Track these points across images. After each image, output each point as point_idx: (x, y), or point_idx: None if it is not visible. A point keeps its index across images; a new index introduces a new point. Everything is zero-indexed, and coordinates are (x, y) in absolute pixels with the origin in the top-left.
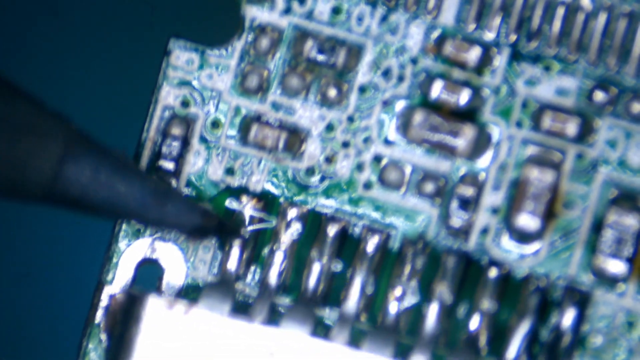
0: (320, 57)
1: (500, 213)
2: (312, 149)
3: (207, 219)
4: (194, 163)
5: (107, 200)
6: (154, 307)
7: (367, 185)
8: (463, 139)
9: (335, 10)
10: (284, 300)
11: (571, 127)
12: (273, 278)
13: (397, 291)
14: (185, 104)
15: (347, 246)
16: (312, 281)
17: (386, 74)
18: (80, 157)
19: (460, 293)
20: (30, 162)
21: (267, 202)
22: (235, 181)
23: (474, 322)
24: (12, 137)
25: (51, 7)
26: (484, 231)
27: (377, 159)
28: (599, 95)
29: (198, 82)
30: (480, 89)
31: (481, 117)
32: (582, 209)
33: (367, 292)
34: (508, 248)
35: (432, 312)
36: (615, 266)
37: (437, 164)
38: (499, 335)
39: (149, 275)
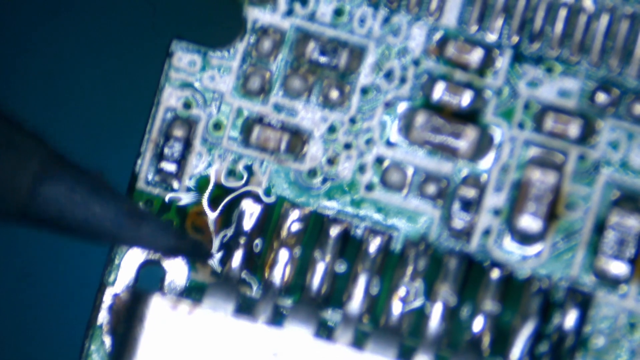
0: (323, 59)
1: (503, 214)
2: (314, 151)
3: (180, 241)
4: (196, 165)
5: (82, 221)
6: (158, 307)
7: (369, 187)
8: (465, 141)
9: (338, 12)
10: (287, 301)
11: (573, 129)
12: (276, 279)
13: (400, 292)
14: (187, 105)
15: (349, 248)
16: (315, 282)
17: (388, 75)
18: (57, 177)
19: (463, 294)
20: (6, 181)
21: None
22: (237, 183)
23: (477, 324)
24: None
25: (52, 9)
26: (486, 233)
27: (379, 160)
28: (601, 97)
29: (200, 83)
30: (483, 90)
31: (483, 118)
32: (584, 211)
33: (370, 293)
34: (510, 249)
35: (435, 314)
36: (617, 267)
37: (439, 166)
38: (502, 337)
39: (151, 277)
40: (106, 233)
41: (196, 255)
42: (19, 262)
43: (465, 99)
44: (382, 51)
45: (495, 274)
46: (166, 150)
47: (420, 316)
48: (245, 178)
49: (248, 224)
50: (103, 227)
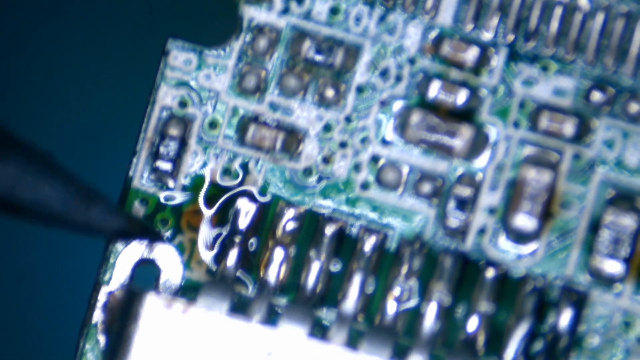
0: (318, 58)
1: (498, 213)
2: (310, 150)
3: (131, 224)
4: (191, 164)
5: (32, 202)
6: (152, 305)
7: (365, 186)
8: (460, 139)
9: (333, 11)
10: (282, 300)
11: (568, 127)
12: (271, 278)
13: (395, 292)
14: (183, 104)
15: (345, 247)
16: (310, 281)
17: (384, 74)
18: (6, 157)
19: (458, 293)
20: None
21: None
22: (232, 181)
23: (472, 323)
24: None
25: (49, 8)
26: (481, 231)
27: (375, 159)
28: (597, 96)
29: (196, 82)
30: (478, 89)
31: (478, 117)
32: (579, 209)
33: (365, 292)
34: (505, 248)
35: (430, 313)
36: (612, 266)
37: (435, 164)
38: (497, 336)
39: (146, 275)
40: (56, 215)
41: (147, 238)
42: (14, 261)
43: (461, 97)
44: (378, 50)
45: (490, 273)
46: (162, 149)
47: (415, 315)
48: (240, 177)
49: (243, 222)
50: (53, 208)
